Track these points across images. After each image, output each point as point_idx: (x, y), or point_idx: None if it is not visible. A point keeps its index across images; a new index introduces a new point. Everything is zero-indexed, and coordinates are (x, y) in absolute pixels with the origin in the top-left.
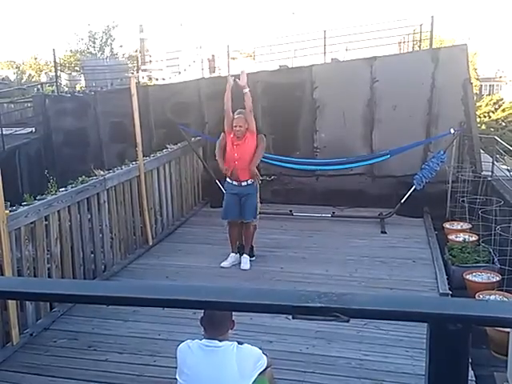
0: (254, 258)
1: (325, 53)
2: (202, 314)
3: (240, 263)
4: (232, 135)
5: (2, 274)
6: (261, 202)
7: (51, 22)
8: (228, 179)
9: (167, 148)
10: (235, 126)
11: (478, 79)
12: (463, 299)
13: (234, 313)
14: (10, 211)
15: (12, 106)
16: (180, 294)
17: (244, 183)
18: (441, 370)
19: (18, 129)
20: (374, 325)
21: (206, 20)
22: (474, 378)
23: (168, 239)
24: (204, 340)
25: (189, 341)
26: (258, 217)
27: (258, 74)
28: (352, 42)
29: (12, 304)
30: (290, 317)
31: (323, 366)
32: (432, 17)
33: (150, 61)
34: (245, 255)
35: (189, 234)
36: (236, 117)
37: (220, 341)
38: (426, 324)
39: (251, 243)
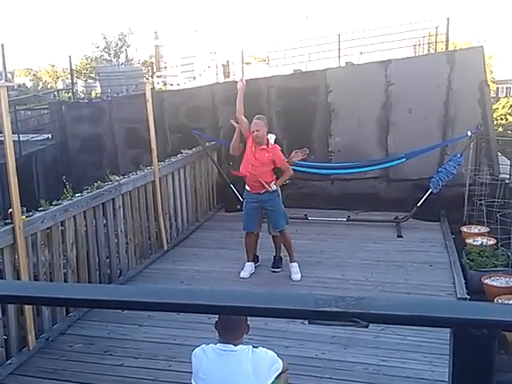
0: (258, 264)
1: (339, 56)
2: (217, 319)
3: (290, 274)
4: (252, 139)
5: (19, 279)
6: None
7: (67, 30)
8: (247, 187)
9: (182, 153)
10: (253, 132)
11: (494, 82)
12: (488, 303)
13: (249, 318)
14: (27, 217)
15: (29, 112)
16: (195, 299)
17: (262, 191)
18: (465, 377)
19: (34, 135)
20: (392, 330)
21: (220, 26)
22: None
23: (183, 244)
24: (219, 344)
25: (203, 345)
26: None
27: (272, 78)
28: (366, 45)
29: (28, 309)
30: (306, 322)
31: (340, 371)
32: (448, 19)
33: (165, 67)
34: (292, 264)
35: (204, 239)
36: (254, 122)
37: (235, 345)
38: (446, 329)
39: (292, 250)
